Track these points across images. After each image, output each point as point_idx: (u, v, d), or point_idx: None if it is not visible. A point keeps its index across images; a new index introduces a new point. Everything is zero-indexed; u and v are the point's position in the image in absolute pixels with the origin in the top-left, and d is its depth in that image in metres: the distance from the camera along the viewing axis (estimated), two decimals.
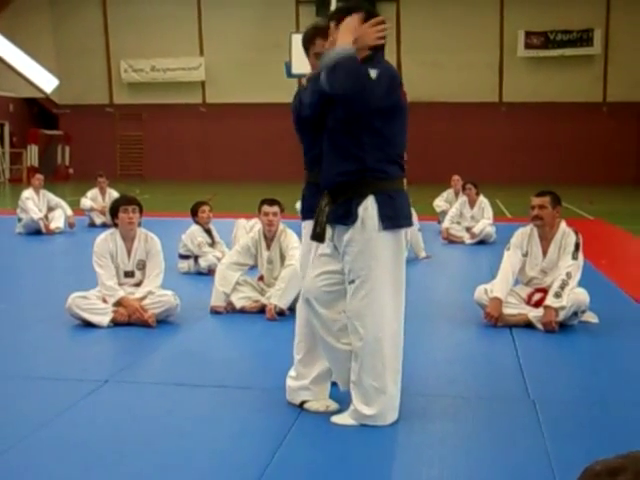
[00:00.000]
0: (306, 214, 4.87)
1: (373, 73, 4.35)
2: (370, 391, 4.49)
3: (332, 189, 4.52)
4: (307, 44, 4.90)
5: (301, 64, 5.16)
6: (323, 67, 4.35)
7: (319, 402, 4.78)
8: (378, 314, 4.46)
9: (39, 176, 15.38)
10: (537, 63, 33.39)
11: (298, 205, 13.07)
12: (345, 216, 4.46)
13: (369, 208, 4.44)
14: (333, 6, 20.87)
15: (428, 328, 7.14)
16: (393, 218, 4.48)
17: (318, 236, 4.55)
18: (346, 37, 4.38)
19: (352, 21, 4.42)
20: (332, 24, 4.55)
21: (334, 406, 4.75)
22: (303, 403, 4.80)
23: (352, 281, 4.48)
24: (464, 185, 14.10)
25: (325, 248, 4.61)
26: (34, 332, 6.91)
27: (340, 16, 4.52)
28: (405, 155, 4.76)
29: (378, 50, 4.56)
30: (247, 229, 10.10)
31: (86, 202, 15.56)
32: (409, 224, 4.67)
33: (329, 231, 4.56)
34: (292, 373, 4.88)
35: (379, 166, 4.47)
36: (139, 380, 5.52)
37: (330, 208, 4.49)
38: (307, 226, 4.86)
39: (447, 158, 31.37)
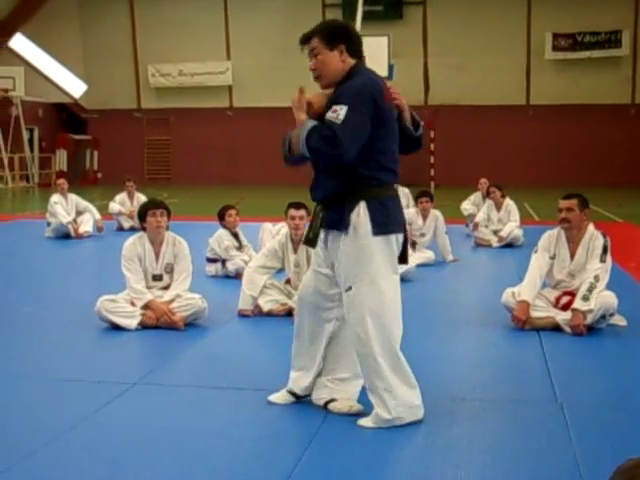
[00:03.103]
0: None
1: (340, 113, 4.34)
2: (382, 394, 4.51)
3: (324, 200, 4.59)
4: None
5: None
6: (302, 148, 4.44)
7: (342, 402, 4.79)
8: (378, 318, 4.48)
9: (60, 181, 15.45)
10: (565, 65, 33.16)
11: None
12: (338, 222, 4.51)
13: (361, 214, 4.47)
14: (359, 9, 20.89)
15: (455, 331, 7.12)
16: (384, 224, 4.51)
17: (310, 241, 4.65)
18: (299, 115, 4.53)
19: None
20: (316, 39, 4.59)
21: (357, 407, 4.76)
22: (327, 403, 4.81)
23: (349, 288, 4.51)
24: (488, 188, 14.07)
25: (318, 250, 4.71)
26: (63, 335, 6.97)
27: (325, 32, 4.59)
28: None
29: (358, 62, 4.61)
30: (273, 233, 10.13)
31: (114, 206, 15.66)
32: (400, 230, 4.66)
33: (322, 235, 4.64)
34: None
35: (372, 174, 4.50)
36: (167, 383, 5.55)
37: (324, 214, 4.57)
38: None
39: (474, 161, 31.25)
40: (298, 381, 4.93)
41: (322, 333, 4.77)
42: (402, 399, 4.53)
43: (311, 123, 4.41)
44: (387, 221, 4.52)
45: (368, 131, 4.40)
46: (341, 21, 4.80)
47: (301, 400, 4.93)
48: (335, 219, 4.52)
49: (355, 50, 4.61)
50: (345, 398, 4.81)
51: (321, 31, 4.62)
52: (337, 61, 4.56)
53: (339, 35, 4.59)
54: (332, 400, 4.80)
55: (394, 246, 4.59)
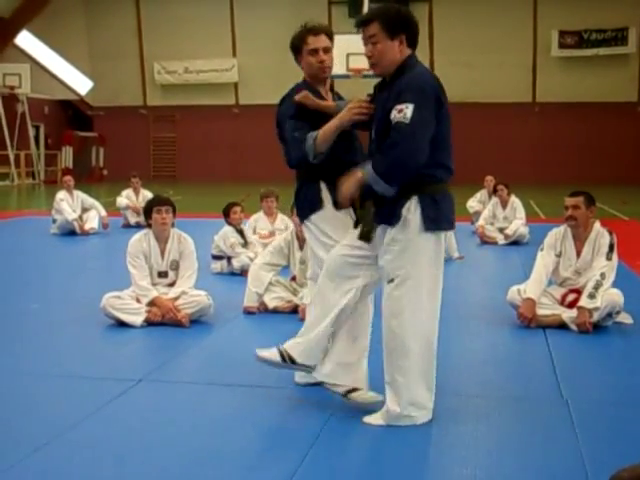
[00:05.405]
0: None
1: (407, 112, 4.27)
2: (401, 389, 4.48)
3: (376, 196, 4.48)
4: (300, 43, 5.15)
5: (334, 65, 5.17)
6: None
7: (367, 394, 4.73)
8: (415, 314, 4.46)
9: (66, 178, 15.42)
10: (571, 63, 33.12)
11: None
12: (389, 216, 4.45)
13: (412, 209, 4.41)
14: (366, 6, 20.87)
15: (461, 328, 7.11)
16: (435, 220, 4.46)
17: (365, 236, 4.53)
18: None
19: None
20: (377, 25, 4.45)
21: (379, 398, 4.68)
22: (348, 392, 4.73)
23: (391, 280, 4.46)
24: (495, 186, 14.04)
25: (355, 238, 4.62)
26: (68, 332, 6.97)
27: (387, 19, 4.43)
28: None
29: (412, 53, 4.53)
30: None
31: (122, 200, 15.63)
32: (451, 227, 4.66)
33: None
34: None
35: (428, 171, 4.42)
36: (172, 379, 5.56)
37: (375, 209, 4.48)
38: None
39: (480, 159, 31.17)
40: None
41: (336, 305, 4.60)
42: (418, 399, 4.51)
43: (369, 166, 4.38)
44: (438, 217, 4.46)
45: (433, 129, 4.34)
46: (402, 7, 4.56)
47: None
48: (386, 213, 4.45)
49: (413, 41, 4.52)
50: (365, 391, 4.73)
51: (383, 17, 4.45)
52: (395, 52, 4.45)
53: (401, 24, 4.46)
54: (355, 389, 4.71)
55: (443, 243, 4.57)
